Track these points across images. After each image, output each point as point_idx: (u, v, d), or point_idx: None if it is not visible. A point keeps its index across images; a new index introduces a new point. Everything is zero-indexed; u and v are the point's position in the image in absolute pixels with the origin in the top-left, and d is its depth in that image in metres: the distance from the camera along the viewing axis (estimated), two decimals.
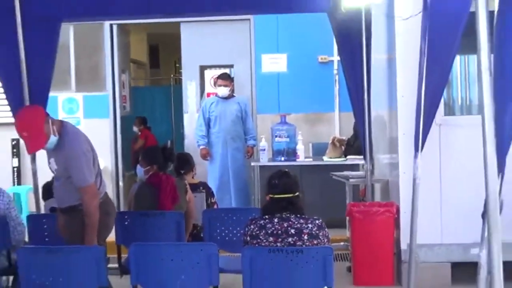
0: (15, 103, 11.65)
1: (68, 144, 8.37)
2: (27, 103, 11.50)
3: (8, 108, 12.16)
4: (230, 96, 15.83)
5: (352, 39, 11.28)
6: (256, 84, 17.49)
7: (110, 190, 16.75)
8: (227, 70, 17.88)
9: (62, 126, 8.67)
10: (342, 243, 11.07)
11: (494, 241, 5.79)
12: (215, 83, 17.20)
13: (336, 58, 15.98)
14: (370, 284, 11.16)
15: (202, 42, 18.06)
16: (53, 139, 8.27)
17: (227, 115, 15.72)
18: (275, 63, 17.47)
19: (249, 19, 17.41)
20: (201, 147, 15.86)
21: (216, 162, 15.21)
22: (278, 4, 11.84)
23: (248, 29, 17.66)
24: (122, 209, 16.39)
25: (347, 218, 12.01)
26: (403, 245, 11.08)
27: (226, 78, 15.89)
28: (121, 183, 18.42)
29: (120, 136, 18.75)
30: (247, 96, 17.21)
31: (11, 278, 9.65)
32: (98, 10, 12.62)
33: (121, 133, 18.82)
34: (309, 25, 15.19)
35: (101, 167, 16.44)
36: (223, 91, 15.69)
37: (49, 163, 8.70)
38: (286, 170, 8.09)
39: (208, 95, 17.90)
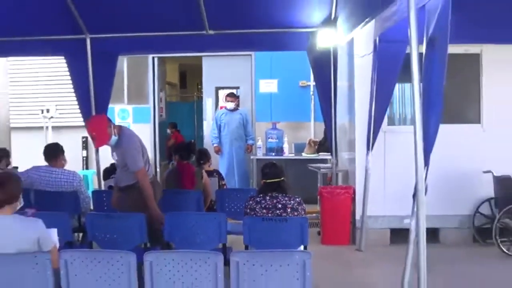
0: (85, 112, 11.93)
1: (125, 142, 8.51)
2: (94, 112, 11.67)
3: (80, 115, 12.29)
4: (235, 109, 16.18)
5: (324, 70, 11.33)
6: (255, 100, 17.54)
7: None
8: (234, 90, 17.92)
9: (121, 129, 8.79)
10: (314, 215, 11.13)
11: (421, 214, 5.92)
12: (225, 99, 17.29)
13: (312, 83, 16.00)
14: (333, 244, 11.23)
15: (217, 70, 18.15)
16: (114, 138, 8.44)
17: (232, 123, 16.04)
18: (268, 85, 17.52)
19: (251, 54, 17.46)
20: (214, 145, 16.13)
21: (225, 156, 15.41)
22: (271, 44, 11.94)
23: (250, 61, 17.69)
24: None
25: (318, 197, 12.08)
26: (357, 216, 11.25)
27: (233, 96, 16.31)
28: (158, 169, 18.49)
29: (158, 136, 18.87)
30: (248, 109, 17.25)
31: (80, 234, 9.68)
32: (144, 48, 12.86)
33: (158, 134, 18.93)
34: (293, 59, 15.20)
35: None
36: (230, 105, 16.07)
37: (112, 155, 8.85)
38: (275, 162, 8.21)
39: (221, 107, 18.00)
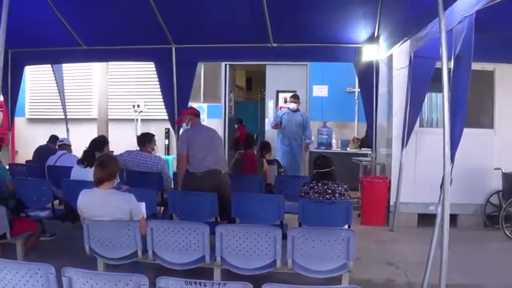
0: (169, 108, 12.20)
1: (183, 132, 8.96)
2: (176, 108, 11.91)
3: (164, 110, 12.50)
4: (297, 110, 15.04)
5: (368, 79, 11.31)
6: (310, 103, 17.57)
7: None
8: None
9: (194, 124, 8.97)
10: (355, 200, 11.15)
11: (446, 201, 5.96)
12: (285, 101, 17.36)
13: (357, 89, 15.95)
14: (370, 224, 11.24)
15: (278, 76, 18.16)
16: (185, 127, 8.70)
17: (293, 122, 14.96)
18: (320, 90, 17.55)
19: (306, 64, 17.48)
20: (275, 122, 15.36)
21: (285, 150, 15.03)
22: (324, 56, 11.97)
23: (306, 70, 17.71)
24: None
25: (359, 185, 12.11)
26: (391, 202, 11.27)
27: (296, 98, 15.21)
28: (226, 157, 18.54)
29: (227, 129, 19.00)
30: (303, 110, 17.33)
31: (162, 208, 9.79)
32: (218, 56, 13.09)
33: (228, 128, 19.06)
34: (342, 69, 15.18)
35: None
36: (293, 106, 15.01)
37: None
38: (325, 154, 8.29)
39: (281, 108, 18.06)
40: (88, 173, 8.92)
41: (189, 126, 9.53)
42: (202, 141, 9.04)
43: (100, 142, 9.75)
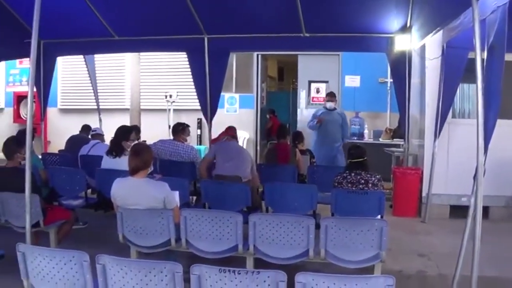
0: (201, 98, 12.25)
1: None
2: (208, 98, 11.95)
3: (197, 100, 12.60)
4: (334, 108, 14.03)
5: (400, 69, 11.26)
6: (342, 93, 17.52)
7: (251, 151, 17.03)
8: (324, 84, 18.07)
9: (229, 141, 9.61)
10: (387, 190, 11.14)
11: (479, 193, 5.96)
12: (317, 91, 17.47)
13: (389, 80, 15.90)
14: (402, 216, 11.24)
15: (310, 66, 18.12)
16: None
17: (330, 122, 13.96)
18: (353, 81, 17.49)
19: (338, 54, 17.43)
20: (318, 117, 14.18)
21: (326, 153, 14.40)
22: (356, 46, 11.95)
23: (338, 60, 17.66)
24: (258, 162, 16.57)
25: (392, 175, 12.11)
26: (423, 193, 11.28)
27: (333, 96, 14.29)
28: (258, 148, 18.68)
29: (259, 119, 19.04)
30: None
31: (194, 197, 9.87)
32: (250, 46, 13.13)
33: (260, 118, 19.09)
34: (374, 59, 15.13)
35: (247, 138, 16.69)
36: (330, 105, 13.99)
37: None
38: (359, 144, 8.31)
39: (313, 98, 18.13)
40: (117, 163, 9.06)
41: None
42: (229, 150, 9.29)
43: (125, 131, 9.76)
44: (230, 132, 10.14)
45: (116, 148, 9.36)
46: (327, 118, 13.94)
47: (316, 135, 14.29)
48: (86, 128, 13.24)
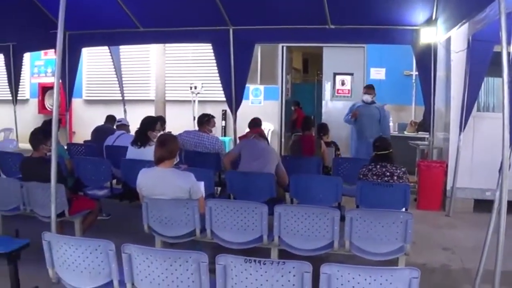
0: (226, 90, 12.29)
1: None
2: (233, 91, 12.00)
3: (221, 92, 12.65)
4: (372, 102, 13.01)
5: (425, 62, 11.21)
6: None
7: (275, 144, 17.08)
8: (349, 77, 18.07)
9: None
10: (411, 184, 11.14)
11: (504, 187, 5.95)
12: (342, 83, 17.50)
13: (414, 72, 15.84)
14: (426, 209, 11.21)
15: (335, 58, 18.08)
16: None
17: (368, 117, 12.95)
18: (378, 73, 17.43)
19: (364, 46, 17.37)
20: (352, 111, 13.27)
21: (363, 151, 13.82)
22: (381, 38, 11.88)
23: (363, 52, 17.62)
24: (282, 154, 16.60)
25: (416, 168, 12.10)
26: (448, 187, 11.22)
27: (370, 88, 13.30)
28: (282, 140, 18.70)
29: (284, 111, 19.03)
30: (358, 95, 17.34)
31: (219, 188, 9.87)
32: (275, 38, 13.13)
33: (284, 110, 19.08)
34: (399, 51, 15.06)
35: (271, 130, 16.71)
36: (367, 98, 13.00)
37: None
38: (385, 137, 8.31)
39: (337, 91, 18.12)
40: (142, 153, 9.12)
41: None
42: (256, 148, 9.06)
43: (151, 122, 9.83)
44: (259, 131, 10.05)
45: (141, 138, 9.42)
46: (362, 112, 13.03)
47: (352, 130, 13.76)
48: (110, 119, 13.31)
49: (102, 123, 13.42)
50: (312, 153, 10.48)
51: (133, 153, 9.46)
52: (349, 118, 13.20)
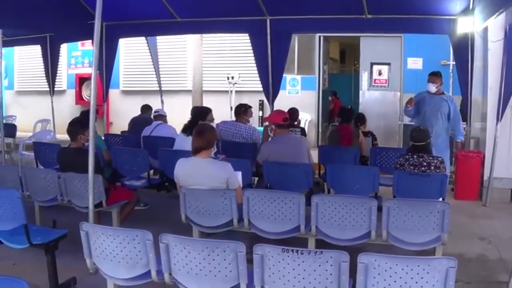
0: (264, 80, 12.35)
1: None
2: (270, 81, 12.00)
3: (258, 82, 12.65)
4: (438, 92, 10.93)
5: (463, 52, 11.12)
6: (404, 75, 17.50)
7: (312, 134, 17.12)
8: (386, 67, 18.00)
9: (278, 134, 8.94)
10: (449, 174, 11.08)
11: None
12: (379, 73, 17.52)
13: (451, 62, 15.71)
14: (463, 199, 11.17)
15: (372, 48, 18.08)
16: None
17: (434, 110, 10.79)
18: (415, 63, 17.37)
19: (400, 36, 17.35)
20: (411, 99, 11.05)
21: None
22: (419, 28, 11.83)
23: (400, 42, 17.57)
24: (319, 143, 16.63)
25: (453, 158, 12.05)
26: (485, 177, 11.16)
27: (436, 75, 11.16)
28: (320, 129, 18.71)
29: (321, 101, 19.08)
30: (397, 84, 17.30)
31: (256, 178, 9.83)
32: (313, 28, 13.06)
33: (322, 100, 19.13)
34: (436, 41, 14.98)
35: (308, 120, 16.74)
36: (431, 87, 10.89)
37: None
38: (422, 127, 8.26)
39: (375, 81, 18.09)
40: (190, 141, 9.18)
41: (272, 134, 9.41)
42: (282, 149, 8.56)
43: (203, 112, 9.92)
44: (277, 119, 8.88)
45: (192, 127, 9.44)
46: (425, 103, 10.99)
47: (417, 125, 10.20)
48: (146, 108, 13.37)
49: (139, 113, 13.49)
50: (350, 143, 10.49)
51: (181, 140, 9.53)
52: (406, 109, 11.19)
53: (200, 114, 9.71)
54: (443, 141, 10.79)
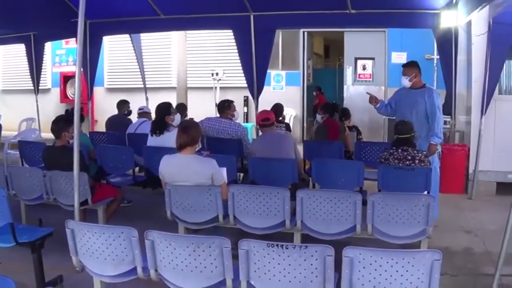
0: (248, 76, 12.23)
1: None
2: (255, 78, 12.04)
3: (243, 78, 12.60)
4: (416, 86, 9.50)
5: (446, 46, 11.15)
6: (388, 70, 17.57)
7: (298, 129, 17.13)
8: (370, 62, 18.06)
9: (264, 132, 9.06)
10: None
11: None
12: (364, 67, 17.62)
13: (435, 56, 15.77)
14: (449, 192, 11.18)
15: (357, 43, 18.11)
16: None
17: (410, 106, 9.20)
18: (399, 57, 17.37)
19: (385, 31, 17.41)
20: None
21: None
22: (402, 22, 11.85)
23: (384, 36, 17.63)
24: (304, 139, 16.64)
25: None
26: (470, 170, 11.21)
27: (409, 66, 9.86)
28: (304, 125, 18.75)
29: (306, 97, 19.10)
30: (382, 78, 17.35)
31: (241, 174, 9.89)
32: (296, 23, 13.11)
33: (306, 95, 19.15)
34: (420, 35, 15.05)
35: (293, 115, 16.75)
36: (405, 81, 9.53)
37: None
38: (406, 120, 8.26)
39: (359, 75, 18.17)
40: (162, 140, 9.14)
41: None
42: (266, 153, 8.59)
43: (165, 108, 9.75)
44: (261, 119, 9.03)
45: (158, 126, 9.39)
46: (400, 99, 9.67)
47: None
48: (123, 103, 13.18)
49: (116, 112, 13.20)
50: (337, 138, 10.51)
51: (153, 142, 9.47)
52: (375, 107, 9.79)
53: (163, 110, 9.63)
54: (422, 144, 8.72)
